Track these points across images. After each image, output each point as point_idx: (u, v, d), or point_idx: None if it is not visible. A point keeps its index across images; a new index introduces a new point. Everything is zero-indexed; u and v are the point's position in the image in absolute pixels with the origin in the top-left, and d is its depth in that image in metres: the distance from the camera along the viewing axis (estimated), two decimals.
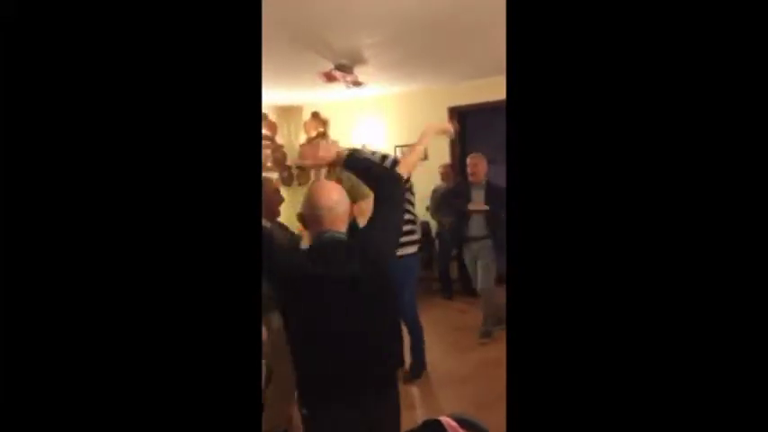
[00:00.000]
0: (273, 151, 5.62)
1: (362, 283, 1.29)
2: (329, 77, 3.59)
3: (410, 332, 2.81)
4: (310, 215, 1.34)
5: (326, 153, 1.62)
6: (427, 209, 4.57)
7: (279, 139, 5.71)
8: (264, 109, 5.53)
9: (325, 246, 1.31)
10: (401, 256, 2.52)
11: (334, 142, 5.53)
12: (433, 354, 3.09)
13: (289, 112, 5.81)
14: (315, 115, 5.62)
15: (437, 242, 4.74)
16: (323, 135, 5.62)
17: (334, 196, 1.34)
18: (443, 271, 4.65)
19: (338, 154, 1.59)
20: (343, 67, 3.54)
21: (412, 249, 2.79)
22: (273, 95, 5.09)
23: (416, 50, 3.47)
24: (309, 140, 5.65)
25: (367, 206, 1.93)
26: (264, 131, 5.54)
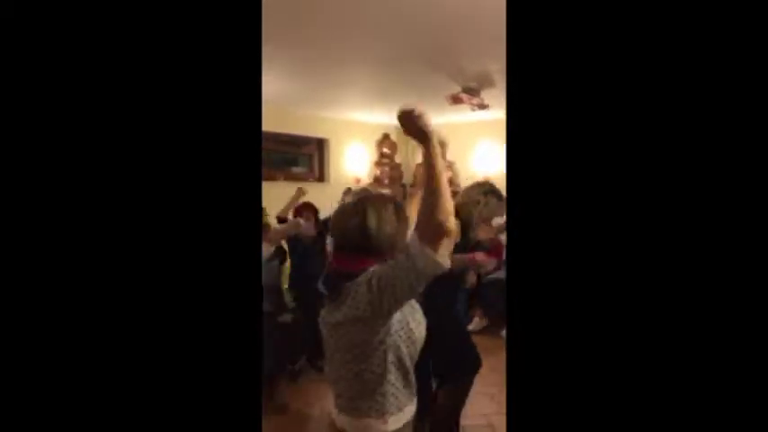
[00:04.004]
0: (391, 169, 5.89)
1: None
2: (456, 100, 3.71)
3: None
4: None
5: None
6: None
7: (397, 158, 5.98)
8: (387, 129, 5.85)
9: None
10: None
11: (452, 163, 5.64)
12: None
13: None
14: None
15: None
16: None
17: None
18: None
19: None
20: (471, 90, 3.65)
21: None
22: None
23: None
24: None
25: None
26: (384, 150, 5.85)
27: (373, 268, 1.04)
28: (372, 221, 1.07)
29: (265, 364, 2.77)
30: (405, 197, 5.83)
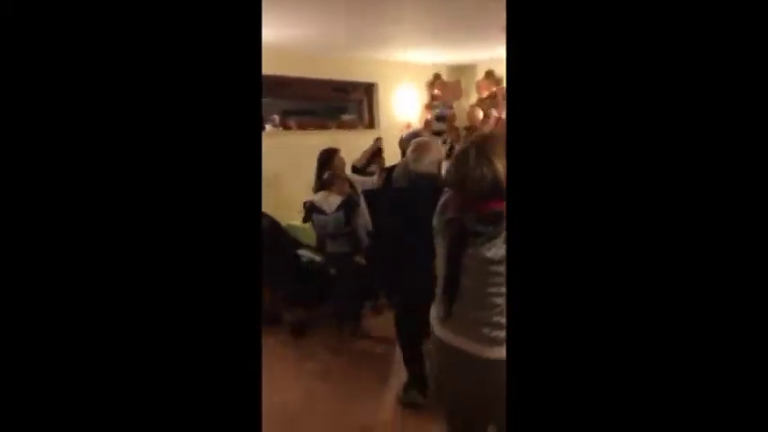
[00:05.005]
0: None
1: None
2: None
3: None
4: None
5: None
6: None
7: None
8: (438, 69, 5.54)
9: None
10: None
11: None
12: None
13: (461, 71, 5.73)
14: (489, 74, 5.44)
15: None
16: (495, 96, 5.43)
17: None
18: None
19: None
20: None
21: None
22: (448, 54, 5.05)
23: None
24: (480, 101, 5.51)
25: None
26: (436, 92, 5.57)
27: None
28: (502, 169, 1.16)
29: (342, 301, 3.35)
30: (459, 140, 5.63)
